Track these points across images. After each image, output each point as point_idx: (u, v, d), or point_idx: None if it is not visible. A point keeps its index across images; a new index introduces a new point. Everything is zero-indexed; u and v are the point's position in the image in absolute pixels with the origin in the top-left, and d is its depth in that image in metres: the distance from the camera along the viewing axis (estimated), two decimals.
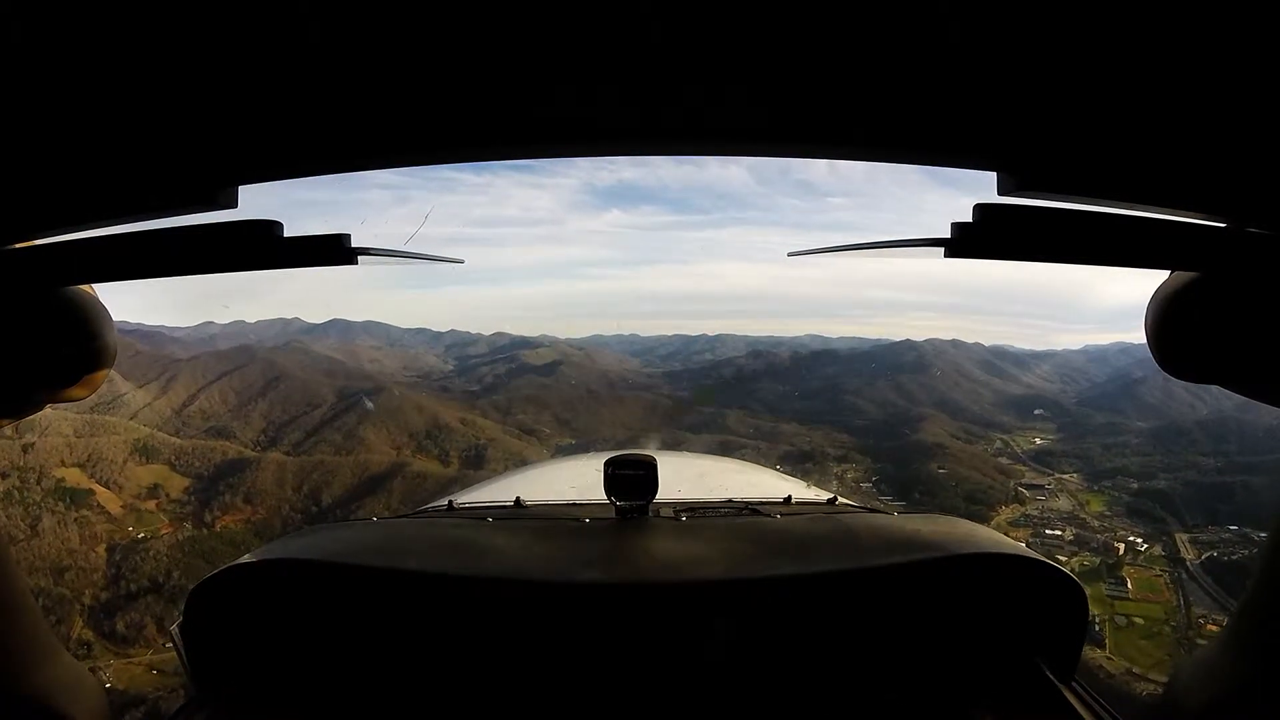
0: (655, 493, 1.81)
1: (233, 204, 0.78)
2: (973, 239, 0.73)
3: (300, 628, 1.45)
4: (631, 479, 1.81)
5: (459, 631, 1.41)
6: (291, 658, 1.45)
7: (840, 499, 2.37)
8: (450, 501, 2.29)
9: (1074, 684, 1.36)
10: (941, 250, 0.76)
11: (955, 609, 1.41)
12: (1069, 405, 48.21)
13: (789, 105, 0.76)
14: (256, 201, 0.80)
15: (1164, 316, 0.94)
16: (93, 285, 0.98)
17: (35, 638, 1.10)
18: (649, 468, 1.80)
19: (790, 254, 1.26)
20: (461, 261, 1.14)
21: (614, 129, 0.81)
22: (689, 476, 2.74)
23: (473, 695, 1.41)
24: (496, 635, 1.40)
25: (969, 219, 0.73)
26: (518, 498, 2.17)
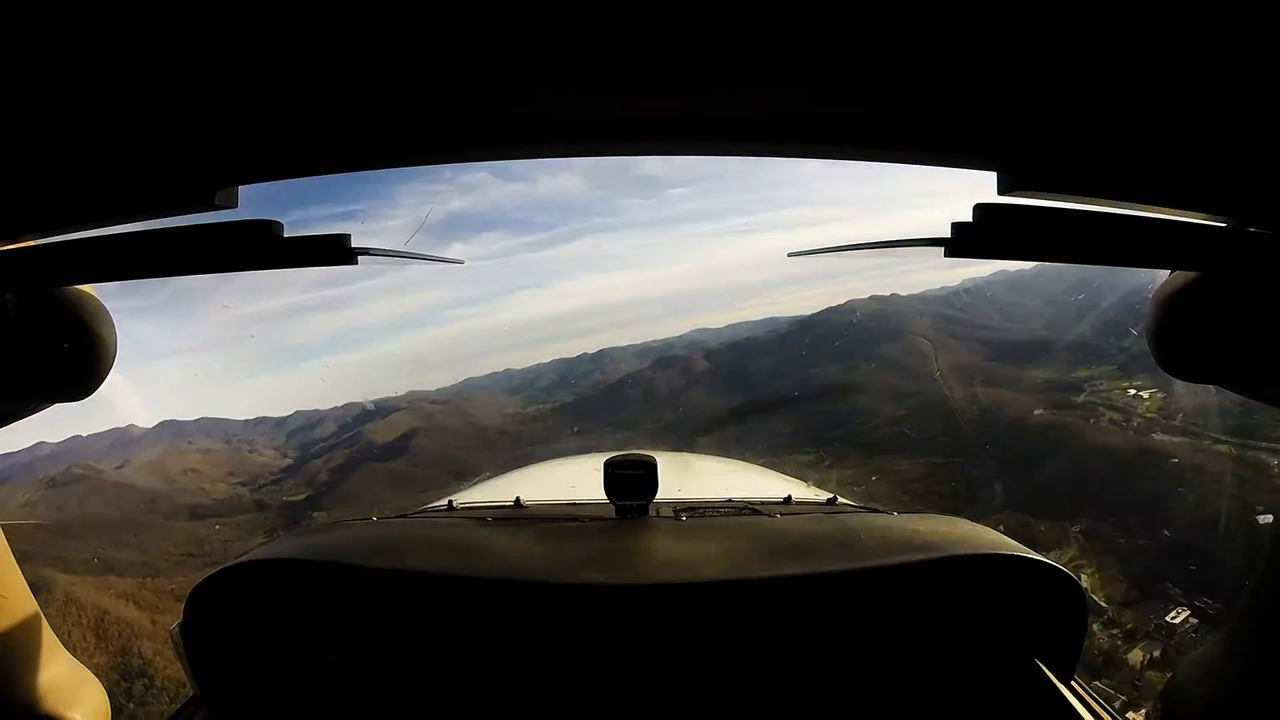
0: (655, 493, 1.81)
1: (233, 204, 0.78)
2: (973, 239, 0.73)
3: (300, 628, 1.45)
4: (631, 479, 1.80)
5: (459, 632, 1.41)
6: (291, 658, 1.45)
7: (840, 499, 2.37)
8: (450, 501, 2.29)
9: (1073, 683, 1.36)
10: (941, 250, 0.76)
11: (955, 609, 1.41)
12: (1090, 336, 36.26)
13: (788, 105, 0.76)
14: (257, 202, 0.80)
15: (1164, 316, 0.94)
16: (93, 285, 0.99)
17: (35, 638, 1.10)
18: (649, 467, 1.79)
19: (790, 254, 1.25)
20: (462, 262, 1.14)
21: (613, 129, 0.81)
22: (689, 476, 2.74)
23: (473, 695, 1.41)
24: (496, 635, 1.40)
25: (969, 219, 0.73)
26: (517, 498, 2.16)
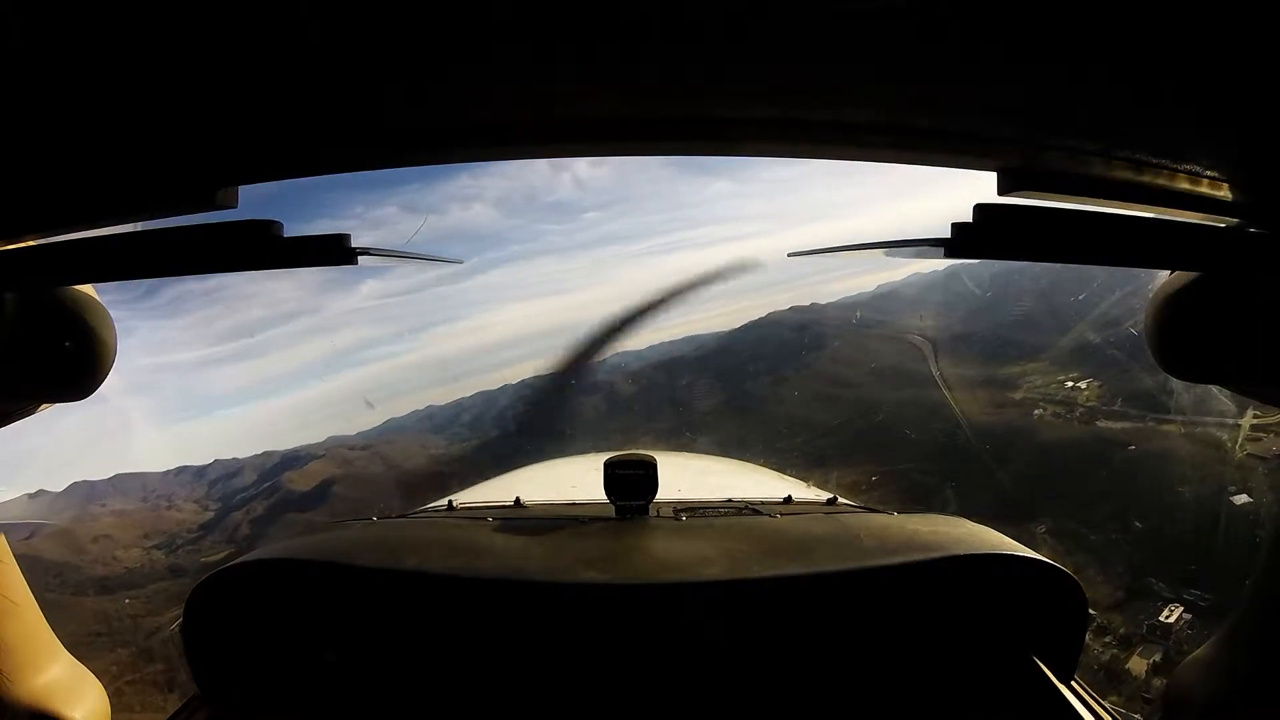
0: (655, 493, 1.81)
1: (233, 204, 0.78)
2: (973, 239, 0.73)
3: (300, 628, 1.45)
4: (631, 479, 1.80)
5: (459, 631, 1.41)
6: (292, 657, 1.45)
7: (840, 499, 2.37)
8: (450, 501, 2.29)
9: (1073, 683, 1.36)
10: (941, 250, 0.76)
11: (955, 609, 1.41)
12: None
13: (789, 106, 0.76)
14: (257, 202, 0.80)
15: (1164, 316, 0.94)
16: (93, 285, 0.99)
17: (35, 638, 1.11)
18: (649, 467, 1.79)
19: (790, 254, 1.26)
20: (461, 261, 1.15)
21: (614, 129, 0.81)
22: (689, 476, 2.73)
23: (473, 695, 1.41)
24: (497, 635, 1.40)
25: (969, 219, 0.73)
26: (517, 497, 2.17)
